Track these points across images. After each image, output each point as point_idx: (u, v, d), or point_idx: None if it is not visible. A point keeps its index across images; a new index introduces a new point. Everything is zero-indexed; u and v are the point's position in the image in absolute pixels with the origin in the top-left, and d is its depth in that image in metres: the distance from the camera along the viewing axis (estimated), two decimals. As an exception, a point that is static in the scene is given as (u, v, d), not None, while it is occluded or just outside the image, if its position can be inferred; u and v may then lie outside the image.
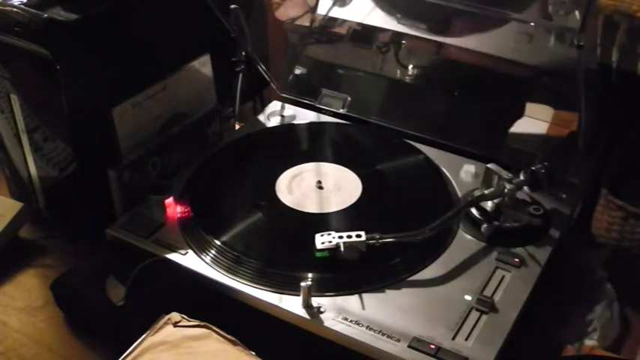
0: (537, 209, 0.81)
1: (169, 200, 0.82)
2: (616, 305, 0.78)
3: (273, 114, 1.01)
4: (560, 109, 0.91)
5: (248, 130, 0.99)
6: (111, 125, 0.83)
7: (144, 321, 0.69)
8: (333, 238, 0.74)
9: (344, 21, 1.06)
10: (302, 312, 0.70)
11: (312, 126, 0.99)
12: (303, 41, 1.08)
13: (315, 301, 0.70)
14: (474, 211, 0.80)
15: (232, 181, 0.88)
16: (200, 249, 0.77)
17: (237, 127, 1.02)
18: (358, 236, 0.74)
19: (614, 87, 0.89)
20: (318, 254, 0.74)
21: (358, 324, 0.68)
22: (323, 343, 0.69)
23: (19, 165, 0.89)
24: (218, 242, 0.77)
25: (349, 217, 0.81)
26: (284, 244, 0.79)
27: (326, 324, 0.69)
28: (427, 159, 0.91)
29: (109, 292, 0.75)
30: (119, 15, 0.83)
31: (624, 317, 0.78)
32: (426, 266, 0.75)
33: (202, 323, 0.68)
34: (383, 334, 0.67)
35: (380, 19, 1.02)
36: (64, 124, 0.81)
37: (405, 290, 0.72)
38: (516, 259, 0.75)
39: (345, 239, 0.73)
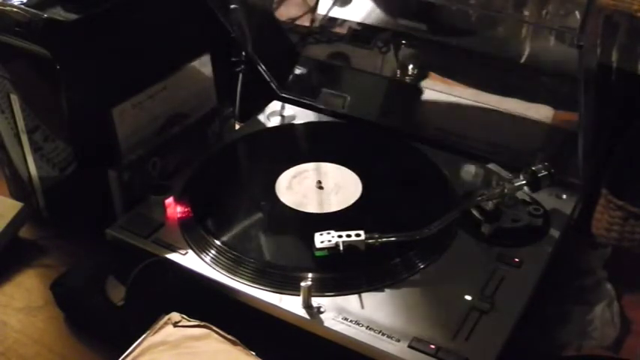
0: (537, 209, 0.81)
1: (169, 200, 0.82)
2: (616, 305, 0.78)
3: (273, 114, 1.01)
4: (560, 109, 0.91)
5: (248, 130, 0.99)
6: (111, 125, 0.83)
7: (144, 321, 0.69)
8: (333, 237, 0.74)
9: (344, 21, 1.06)
10: (302, 312, 0.70)
11: (312, 126, 0.99)
12: (303, 41, 1.08)
13: (315, 301, 0.70)
14: (474, 211, 0.80)
15: (232, 180, 0.88)
16: (200, 249, 0.77)
17: (237, 127, 1.02)
18: (357, 235, 0.74)
19: (614, 87, 0.89)
20: (317, 253, 0.74)
21: (358, 324, 0.68)
22: (323, 343, 0.69)
23: (19, 165, 0.89)
24: (218, 242, 0.77)
25: (349, 217, 0.81)
26: (284, 244, 0.79)
27: (326, 324, 0.69)
28: (427, 159, 0.91)
29: (109, 292, 0.75)
30: (119, 15, 0.83)
31: (624, 317, 0.78)
32: (426, 266, 0.75)
33: (202, 323, 0.68)
34: (383, 334, 0.67)
35: (380, 19, 1.02)
36: (64, 124, 0.81)
37: (405, 290, 0.72)
38: (516, 259, 0.76)
39: (345, 238, 0.73)
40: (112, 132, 0.83)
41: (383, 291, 0.72)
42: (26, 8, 0.79)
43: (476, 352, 0.65)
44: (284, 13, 1.10)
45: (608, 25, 0.86)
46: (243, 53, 1.03)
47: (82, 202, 0.86)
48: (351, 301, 0.71)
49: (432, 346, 0.66)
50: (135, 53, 0.84)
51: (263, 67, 1.02)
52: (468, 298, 0.71)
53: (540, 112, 0.92)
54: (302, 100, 1.03)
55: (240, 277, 0.73)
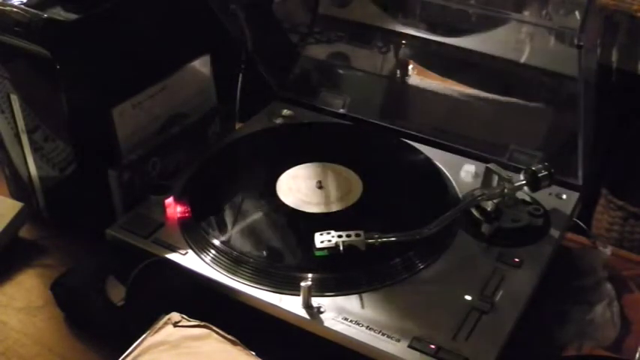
0: (537, 209, 0.81)
1: (169, 200, 0.82)
2: (616, 305, 0.78)
3: (273, 114, 1.01)
4: (560, 109, 0.91)
5: (248, 130, 0.99)
6: (111, 125, 0.83)
7: (144, 321, 0.69)
8: (333, 237, 0.74)
9: (344, 21, 1.06)
10: (302, 312, 0.70)
11: (312, 126, 0.99)
12: (303, 41, 1.08)
13: (315, 301, 0.70)
14: (474, 211, 0.80)
15: (232, 181, 0.88)
16: (200, 249, 0.77)
17: (237, 127, 1.02)
18: (357, 235, 0.74)
19: (614, 87, 0.89)
20: (317, 253, 0.74)
21: (358, 324, 0.68)
22: (323, 343, 0.69)
23: (19, 165, 0.89)
24: (218, 242, 0.77)
25: (349, 217, 0.81)
26: (284, 245, 0.79)
27: (326, 324, 0.69)
28: (427, 159, 0.91)
29: (109, 292, 0.75)
30: (119, 15, 0.83)
31: (624, 317, 0.78)
32: (426, 266, 0.75)
33: (202, 323, 0.68)
34: (383, 334, 0.67)
35: (380, 19, 1.02)
36: (64, 124, 0.81)
37: (405, 290, 0.72)
38: (516, 259, 0.75)
39: (345, 238, 0.73)
40: (112, 132, 0.83)
41: (383, 291, 0.72)
42: (26, 8, 0.79)
43: (476, 352, 0.65)
44: (284, 13, 1.10)
45: (608, 25, 0.86)
46: (243, 53, 1.03)
47: (82, 202, 0.86)
48: (351, 301, 0.71)
49: (432, 346, 0.66)
50: (135, 53, 0.84)
51: (263, 67, 1.02)
52: (468, 298, 0.71)
53: (540, 112, 0.92)
54: (302, 100, 1.03)
55: (240, 277, 0.73)
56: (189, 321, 0.68)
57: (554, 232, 0.80)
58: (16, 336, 0.76)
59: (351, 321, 0.69)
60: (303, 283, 0.69)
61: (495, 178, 0.80)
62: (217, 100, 0.97)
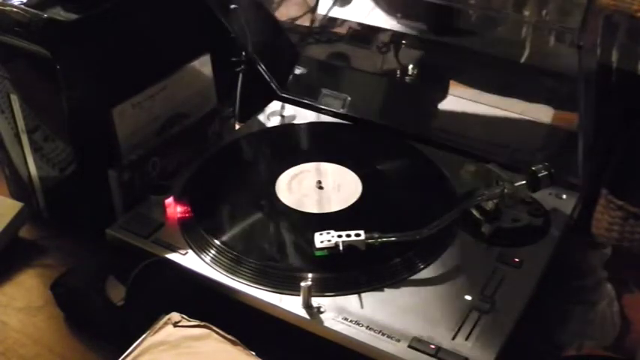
0: (537, 209, 0.81)
1: (169, 200, 0.82)
2: (616, 305, 0.78)
3: (273, 114, 1.01)
4: (560, 109, 0.91)
5: (248, 130, 0.99)
6: (111, 125, 0.83)
7: (144, 321, 0.69)
8: (332, 237, 0.74)
9: (344, 21, 1.06)
10: (302, 312, 0.70)
11: (312, 126, 1.00)
12: (303, 41, 1.08)
13: (315, 301, 0.70)
14: (474, 211, 0.80)
15: (232, 180, 0.88)
16: (200, 249, 0.77)
17: (237, 127, 1.02)
18: (357, 235, 0.74)
19: (614, 87, 0.89)
20: (317, 253, 0.74)
21: (358, 324, 0.68)
22: (323, 343, 0.69)
23: (19, 165, 0.89)
24: (218, 242, 0.77)
25: (349, 217, 0.81)
26: (284, 244, 0.79)
27: (326, 324, 0.69)
28: (427, 159, 0.91)
29: (109, 292, 0.75)
30: (119, 15, 0.83)
31: (624, 317, 0.78)
32: (426, 266, 0.75)
33: (202, 323, 0.68)
34: (383, 334, 0.67)
35: (380, 19, 1.02)
36: (64, 124, 0.81)
37: (405, 290, 0.72)
38: (516, 259, 0.76)
39: (345, 238, 0.74)
40: (112, 132, 0.83)
41: (383, 291, 0.72)
42: (26, 8, 0.79)
43: (476, 352, 0.65)
44: (284, 13, 1.10)
45: (608, 25, 0.86)
46: (243, 53, 1.03)
47: (82, 202, 0.86)
48: (351, 301, 0.71)
49: (432, 346, 0.66)
50: (135, 53, 0.84)
51: (263, 67, 1.02)
52: (468, 298, 0.71)
53: (540, 112, 0.92)
54: (302, 100, 1.03)
55: (240, 277, 0.73)
56: (189, 321, 0.68)
57: (554, 232, 0.80)
58: (16, 336, 0.76)
59: (351, 321, 0.69)
60: (303, 283, 0.69)
61: (495, 178, 0.80)
62: (217, 100, 0.97)
